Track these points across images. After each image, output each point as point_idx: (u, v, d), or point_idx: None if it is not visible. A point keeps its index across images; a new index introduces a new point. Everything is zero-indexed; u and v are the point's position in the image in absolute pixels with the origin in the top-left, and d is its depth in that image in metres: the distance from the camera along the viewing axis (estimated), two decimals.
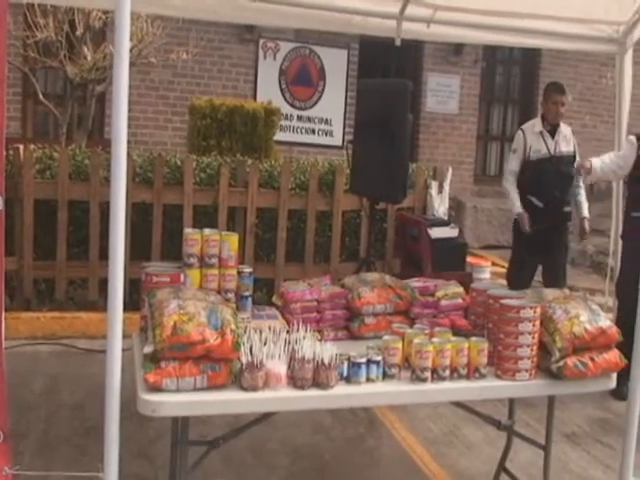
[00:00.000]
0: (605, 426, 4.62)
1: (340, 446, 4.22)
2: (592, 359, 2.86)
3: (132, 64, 8.05)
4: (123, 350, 2.41)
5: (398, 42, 5.63)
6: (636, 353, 2.96)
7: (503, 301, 2.88)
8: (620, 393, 4.10)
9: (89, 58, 7.86)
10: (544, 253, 5.51)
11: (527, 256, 5.56)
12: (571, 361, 2.82)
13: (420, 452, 4.14)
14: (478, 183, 11.09)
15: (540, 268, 5.68)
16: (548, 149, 5.50)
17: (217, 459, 3.66)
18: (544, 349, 2.86)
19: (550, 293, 3.14)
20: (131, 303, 3.27)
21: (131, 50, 7.81)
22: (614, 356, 2.93)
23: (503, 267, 8.42)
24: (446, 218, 6.57)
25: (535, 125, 5.61)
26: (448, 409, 4.43)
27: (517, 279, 5.31)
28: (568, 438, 4.47)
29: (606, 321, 2.94)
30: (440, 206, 6.59)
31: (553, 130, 5.54)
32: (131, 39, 7.65)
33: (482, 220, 9.90)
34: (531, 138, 5.53)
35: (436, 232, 6.05)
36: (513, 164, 5.62)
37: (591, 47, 6.31)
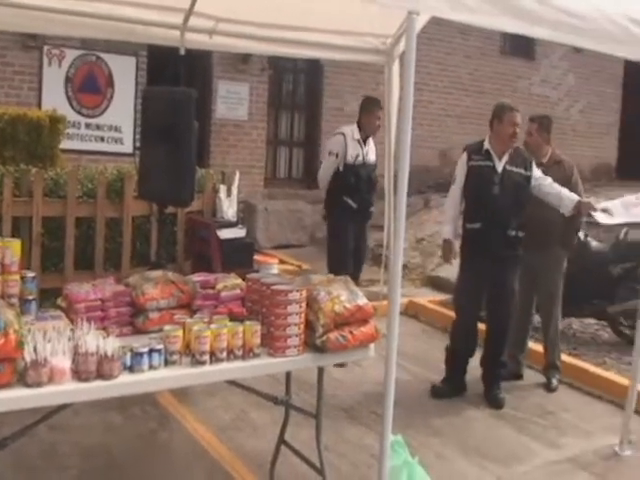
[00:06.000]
0: (380, 399, 5.09)
1: (131, 442, 4.34)
2: (351, 332, 3.27)
3: None
4: None
5: (182, 51, 5.81)
6: (390, 326, 3.40)
7: (273, 287, 3.21)
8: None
9: None
10: (355, 246, 6.24)
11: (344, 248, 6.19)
12: (333, 335, 3.21)
13: (209, 439, 4.38)
14: (268, 186, 11.44)
15: None
16: (363, 156, 6.10)
17: (8, 465, 3.68)
18: (311, 327, 3.22)
19: (316, 278, 3.52)
20: None
21: None
22: (370, 329, 3.35)
23: (292, 264, 8.94)
24: (235, 220, 6.84)
25: (354, 132, 6.17)
26: (238, 397, 4.69)
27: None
28: (346, 412, 4.92)
29: (363, 299, 3.36)
30: (229, 209, 6.83)
31: (365, 139, 6.15)
32: None
33: (273, 221, 10.28)
34: (351, 143, 6.10)
35: (224, 233, 6.29)
36: (333, 167, 6.12)
37: (362, 58, 6.84)
